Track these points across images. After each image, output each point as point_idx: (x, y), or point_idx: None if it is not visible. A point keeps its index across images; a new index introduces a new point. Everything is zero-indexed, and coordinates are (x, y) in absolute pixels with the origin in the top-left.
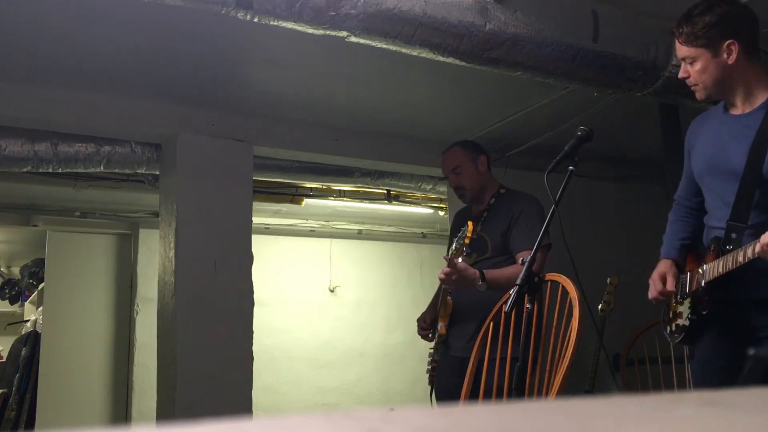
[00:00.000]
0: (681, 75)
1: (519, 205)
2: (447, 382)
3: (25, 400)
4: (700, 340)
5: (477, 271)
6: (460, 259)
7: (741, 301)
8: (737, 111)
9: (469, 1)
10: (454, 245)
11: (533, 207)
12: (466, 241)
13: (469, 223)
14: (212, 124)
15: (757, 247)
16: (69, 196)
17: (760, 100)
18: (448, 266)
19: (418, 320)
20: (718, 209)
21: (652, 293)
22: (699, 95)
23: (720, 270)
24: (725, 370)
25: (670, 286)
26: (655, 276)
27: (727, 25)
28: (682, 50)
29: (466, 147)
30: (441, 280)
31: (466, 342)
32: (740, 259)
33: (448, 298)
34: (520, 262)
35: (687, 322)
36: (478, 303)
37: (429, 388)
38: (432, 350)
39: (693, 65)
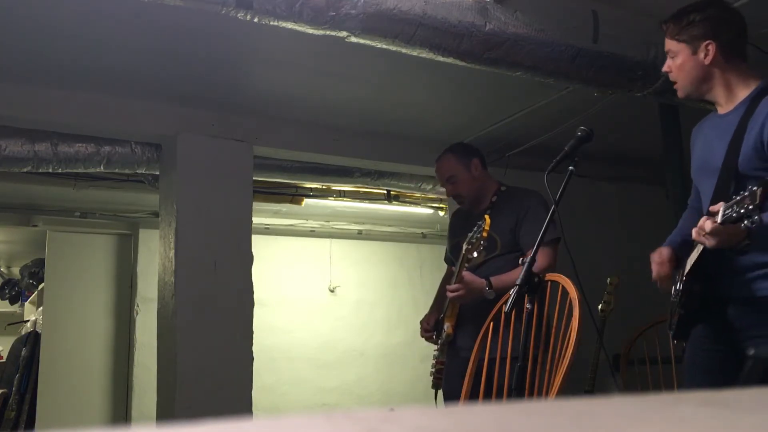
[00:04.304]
0: (664, 68)
1: (525, 201)
2: (460, 383)
3: (25, 400)
4: (691, 335)
5: (483, 281)
6: (475, 254)
7: (720, 297)
8: (722, 110)
9: (469, 1)
10: (468, 239)
11: (541, 202)
12: (484, 234)
13: (486, 216)
14: (212, 124)
15: (693, 233)
16: (69, 196)
17: (740, 98)
18: (456, 281)
19: (421, 322)
20: (706, 207)
21: (653, 271)
22: (678, 93)
23: (690, 263)
24: (713, 366)
25: (666, 255)
26: (653, 255)
27: (710, 26)
28: (666, 43)
29: (458, 153)
30: (451, 298)
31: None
32: (698, 248)
33: None
34: (520, 262)
35: (677, 318)
36: (485, 302)
37: (433, 390)
38: (437, 351)
39: (674, 60)
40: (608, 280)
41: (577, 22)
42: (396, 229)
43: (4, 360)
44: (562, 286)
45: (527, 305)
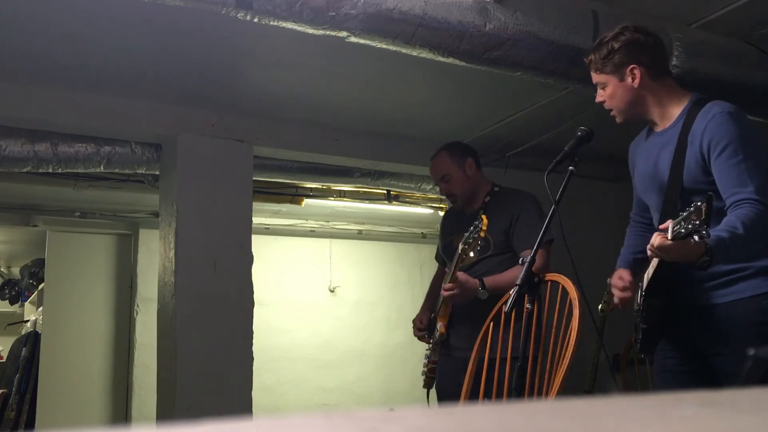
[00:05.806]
0: (598, 99)
1: (519, 203)
2: (454, 383)
3: (25, 400)
4: (657, 349)
5: (477, 281)
6: (471, 254)
7: (682, 307)
8: (659, 128)
9: (469, 1)
10: (465, 239)
11: (533, 204)
12: (482, 234)
13: (484, 216)
14: (212, 124)
15: (647, 251)
16: (69, 196)
17: (675, 114)
18: (450, 281)
19: (414, 321)
20: (656, 224)
21: (616, 295)
22: (617, 119)
23: (647, 277)
24: (681, 377)
25: (628, 279)
26: (613, 280)
27: (629, 51)
28: (593, 77)
29: (453, 152)
30: (445, 297)
31: (470, 342)
32: (654, 262)
33: None
34: (520, 262)
35: (640, 334)
36: (478, 302)
37: (425, 389)
38: (428, 351)
39: (605, 90)
40: (608, 280)
41: (577, 22)
42: (396, 229)
43: (4, 360)
44: (562, 286)
45: (527, 305)
